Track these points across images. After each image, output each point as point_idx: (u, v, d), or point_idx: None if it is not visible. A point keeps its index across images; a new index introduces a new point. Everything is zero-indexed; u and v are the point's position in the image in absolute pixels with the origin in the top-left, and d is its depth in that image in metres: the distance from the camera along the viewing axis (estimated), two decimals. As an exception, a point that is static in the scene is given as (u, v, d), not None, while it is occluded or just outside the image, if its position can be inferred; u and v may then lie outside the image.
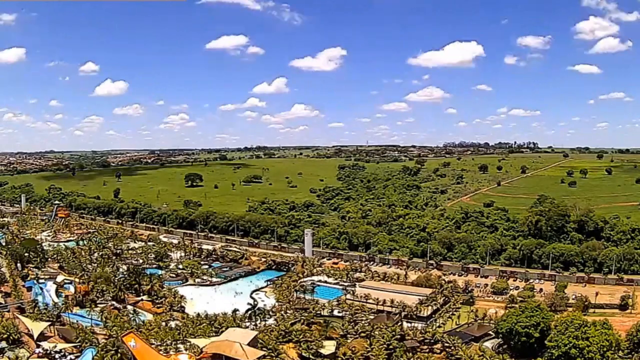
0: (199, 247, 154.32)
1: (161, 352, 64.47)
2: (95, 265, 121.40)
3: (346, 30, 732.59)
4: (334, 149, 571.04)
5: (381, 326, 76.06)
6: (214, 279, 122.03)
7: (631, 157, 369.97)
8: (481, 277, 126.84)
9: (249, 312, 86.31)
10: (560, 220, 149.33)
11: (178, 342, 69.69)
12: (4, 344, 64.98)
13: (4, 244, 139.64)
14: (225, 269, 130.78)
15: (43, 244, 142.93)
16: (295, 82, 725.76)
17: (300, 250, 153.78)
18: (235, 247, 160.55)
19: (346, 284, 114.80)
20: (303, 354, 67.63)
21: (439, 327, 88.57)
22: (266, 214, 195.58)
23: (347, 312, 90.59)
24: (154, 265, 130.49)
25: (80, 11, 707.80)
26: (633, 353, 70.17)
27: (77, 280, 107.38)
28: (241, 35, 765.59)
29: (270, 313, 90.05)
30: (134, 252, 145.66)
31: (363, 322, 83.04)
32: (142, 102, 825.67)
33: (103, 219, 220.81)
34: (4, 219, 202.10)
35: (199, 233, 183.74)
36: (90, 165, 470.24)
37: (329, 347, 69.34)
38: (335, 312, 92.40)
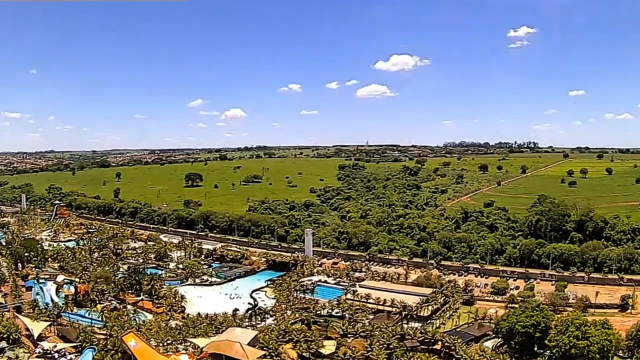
0: (199, 246, 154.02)
1: (161, 352, 64.53)
2: (95, 265, 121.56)
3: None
4: (334, 149, 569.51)
5: (381, 326, 76.03)
6: (214, 279, 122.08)
7: (631, 157, 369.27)
8: (481, 276, 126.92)
9: (249, 312, 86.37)
10: (560, 220, 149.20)
11: (178, 341, 69.69)
12: (4, 344, 65.08)
13: (4, 243, 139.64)
14: (225, 269, 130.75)
15: (43, 244, 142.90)
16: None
17: (300, 250, 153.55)
18: (235, 246, 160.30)
19: (346, 283, 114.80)
20: (303, 353, 67.64)
21: (439, 327, 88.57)
22: (266, 213, 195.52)
23: (347, 312, 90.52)
24: (154, 265, 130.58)
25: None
26: (633, 353, 70.24)
27: (77, 280, 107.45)
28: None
29: (270, 313, 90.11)
30: (134, 252, 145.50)
31: (363, 322, 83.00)
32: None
33: (103, 218, 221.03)
34: (4, 218, 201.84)
35: (199, 233, 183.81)
36: (90, 165, 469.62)
37: (329, 347, 69.37)
38: (335, 312, 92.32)
